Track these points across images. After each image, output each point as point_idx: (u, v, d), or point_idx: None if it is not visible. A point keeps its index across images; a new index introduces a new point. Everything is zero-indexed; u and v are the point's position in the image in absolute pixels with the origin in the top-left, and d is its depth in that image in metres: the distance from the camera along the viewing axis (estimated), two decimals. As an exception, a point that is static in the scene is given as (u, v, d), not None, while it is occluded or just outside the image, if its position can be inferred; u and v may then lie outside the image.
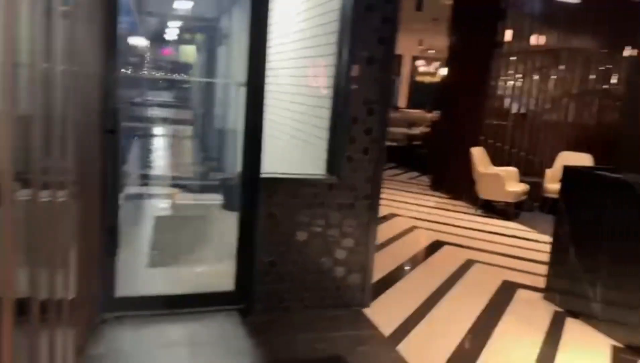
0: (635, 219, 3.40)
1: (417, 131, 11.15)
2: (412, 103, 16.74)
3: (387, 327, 3.43)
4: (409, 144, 11.27)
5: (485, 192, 6.98)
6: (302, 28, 4.29)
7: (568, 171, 4.11)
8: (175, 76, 12.03)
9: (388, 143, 11.20)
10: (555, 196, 7.52)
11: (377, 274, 4.27)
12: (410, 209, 7.03)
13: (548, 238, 5.89)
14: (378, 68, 3.48)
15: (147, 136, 9.89)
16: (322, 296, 3.60)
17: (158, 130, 10.83)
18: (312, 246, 3.53)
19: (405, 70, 16.84)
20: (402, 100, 17.56)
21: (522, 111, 7.63)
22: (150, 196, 6.28)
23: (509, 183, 6.83)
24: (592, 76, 7.74)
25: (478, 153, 7.07)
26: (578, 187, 3.99)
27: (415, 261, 4.96)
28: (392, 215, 6.60)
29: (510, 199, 6.78)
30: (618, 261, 3.51)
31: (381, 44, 3.46)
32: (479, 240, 5.80)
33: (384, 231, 5.76)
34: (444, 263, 4.91)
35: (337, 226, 3.57)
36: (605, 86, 7.82)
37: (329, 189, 3.52)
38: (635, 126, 7.73)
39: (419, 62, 15.85)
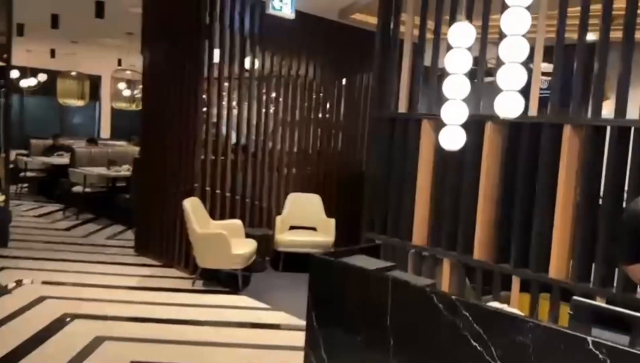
0: (408, 322, 2.06)
1: (121, 170, 8.82)
2: (117, 134, 14.21)
3: None
4: (111, 187, 8.84)
5: (205, 259, 5.24)
6: None
7: (316, 263, 2.61)
8: None
9: (78, 190, 8.59)
10: (288, 249, 6.38)
11: None
12: (99, 299, 4.77)
13: (290, 319, 4.43)
14: None
15: None
16: None
17: None
18: None
19: (105, 93, 14.18)
20: (105, 130, 14.80)
21: (243, 143, 6.21)
22: None
23: (235, 243, 5.25)
24: (315, 105, 6.86)
25: (192, 206, 5.30)
26: (330, 282, 2.54)
27: None
28: (67, 319, 4.26)
29: (238, 266, 5.20)
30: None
31: None
32: (200, 345, 3.98)
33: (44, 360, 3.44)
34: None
35: None
36: (326, 116, 7.04)
37: None
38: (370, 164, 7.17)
39: (122, 85, 13.43)
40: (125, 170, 8.64)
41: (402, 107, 3.60)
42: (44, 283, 5.10)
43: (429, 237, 3.35)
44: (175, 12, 5.90)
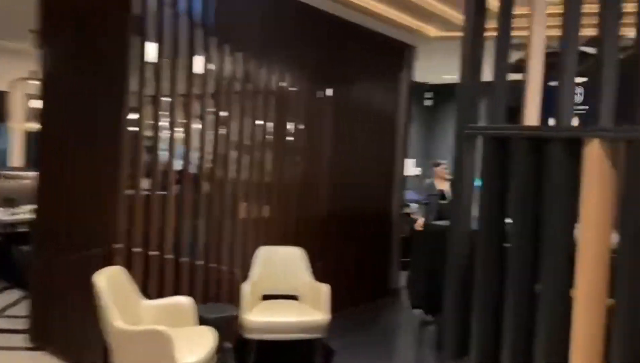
0: None
1: (19, 212, 6.55)
2: (35, 163, 11.71)
3: None
4: (8, 236, 6.52)
5: (132, 371, 3.18)
6: None
7: None
8: None
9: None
10: (262, 337, 3.79)
11: None
12: None
13: None
14: None
15: None
16: None
17: None
18: None
19: (18, 114, 11.71)
20: (17, 157, 12.25)
21: (190, 175, 4.23)
22: None
23: (182, 338, 3.24)
24: (295, 123, 5.00)
25: (111, 283, 3.26)
26: None
27: None
28: None
29: (186, 383, 3.17)
30: None
31: None
32: None
33: None
34: None
35: None
36: (314, 139, 5.18)
37: None
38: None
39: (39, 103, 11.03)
40: (26, 212, 6.39)
41: (531, 119, 1.87)
42: None
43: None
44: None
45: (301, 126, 5.04)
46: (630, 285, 1.57)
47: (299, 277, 4.46)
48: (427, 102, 10.27)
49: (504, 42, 1.88)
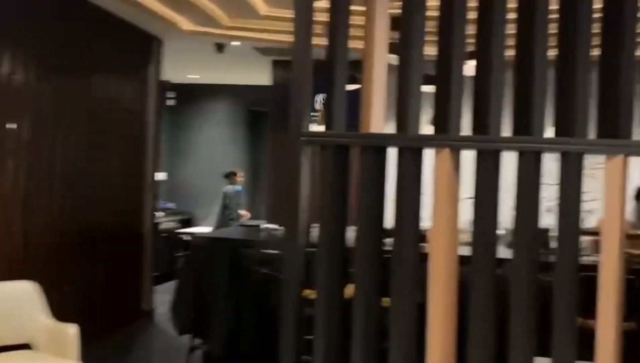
0: None
1: None
2: None
3: None
4: None
5: None
6: None
7: None
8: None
9: None
10: None
11: None
12: None
13: None
14: None
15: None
16: None
17: None
18: None
19: None
20: None
21: None
22: None
23: None
24: (18, 117, 3.87)
25: None
26: None
27: None
28: None
29: None
30: None
31: None
32: None
33: None
34: None
35: None
36: (41, 138, 4.10)
37: None
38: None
39: None
40: None
41: (375, 127, 1.62)
42: None
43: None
44: None
45: (25, 124, 3.97)
46: (482, 289, 1.53)
47: (32, 319, 3.46)
48: (170, 102, 9.63)
49: (342, 46, 1.64)
